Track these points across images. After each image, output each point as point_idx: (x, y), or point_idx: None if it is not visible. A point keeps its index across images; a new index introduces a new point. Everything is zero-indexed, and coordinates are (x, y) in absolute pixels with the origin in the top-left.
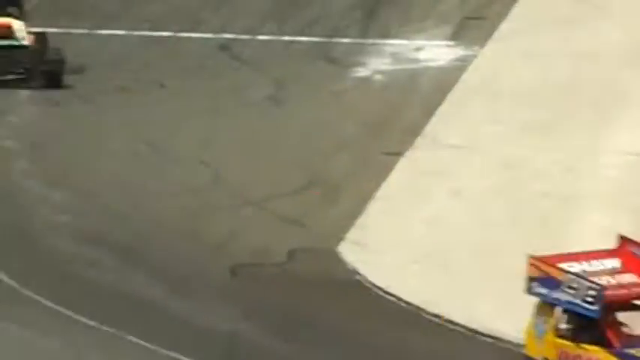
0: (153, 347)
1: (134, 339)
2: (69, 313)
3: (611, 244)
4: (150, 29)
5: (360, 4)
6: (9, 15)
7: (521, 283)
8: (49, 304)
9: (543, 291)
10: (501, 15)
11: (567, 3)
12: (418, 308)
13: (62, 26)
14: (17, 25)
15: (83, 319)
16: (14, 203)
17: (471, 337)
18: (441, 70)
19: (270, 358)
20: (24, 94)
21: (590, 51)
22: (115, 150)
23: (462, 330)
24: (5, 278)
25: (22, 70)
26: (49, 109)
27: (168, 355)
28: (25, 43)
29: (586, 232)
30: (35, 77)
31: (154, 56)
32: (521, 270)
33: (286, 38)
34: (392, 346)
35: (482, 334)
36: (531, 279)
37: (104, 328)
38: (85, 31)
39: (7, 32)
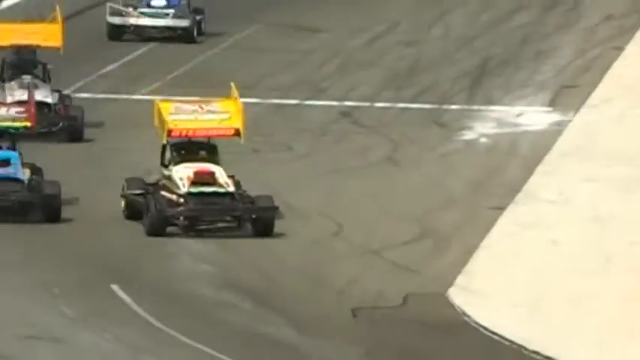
0: None
1: None
2: (210, 351)
3: None
4: (279, 97)
5: (466, 74)
6: (205, 159)
7: (613, 327)
8: (192, 342)
9: None
10: (594, 83)
11: None
12: (520, 346)
13: (203, 95)
14: (219, 171)
15: (223, 357)
16: (161, 253)
17: None
18: (539, 133)
19: None
20: None
21: None
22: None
23: None
24: (151, 319)
25: (231, 219)
26: None
27: None
28: (231, 189)
29: None
30: (245, 225)
31: (283, 121)
32: (614, 315)
33: (401, 105)
34: None
35: None
36: None
37: None
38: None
39: (210, 179)
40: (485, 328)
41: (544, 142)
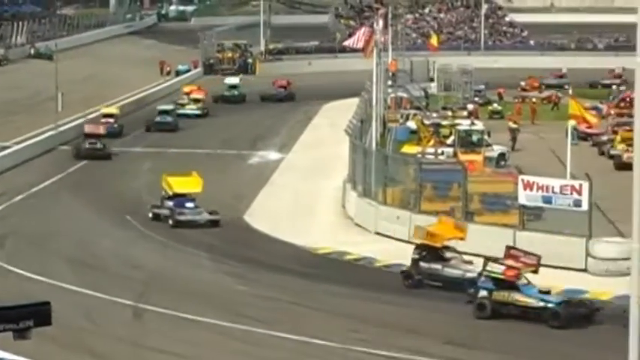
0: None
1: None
2: (163, 239)
3: None
4: (190, 148)
5: (249, 138)
6: None
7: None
8: (156, 236)
9: None
10: (294, 141)
11: (321, 132)
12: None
13: (159, 148)
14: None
15: (172, 243)
16: (138, 202)
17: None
18: (274, 160)
19: None
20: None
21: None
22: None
23: (285, 241)
24: (136, 224)
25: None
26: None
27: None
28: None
29: None
30: None
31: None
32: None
33: (229, 152)
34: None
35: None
36: None
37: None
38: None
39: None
40: (264, 233)
41: (276, 164)
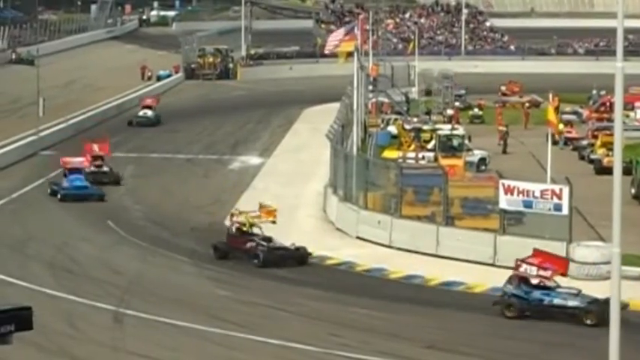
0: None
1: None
2: (142, 243)
3: None
4: (172, 153)
5: (230, 143)
6: None
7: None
8: (137, 240)
9: None
10: (275, 145)
11: (302, 136)
12: None
13: (141, 153)
14: None
15: (150, 247)
16: (120, 207)
17: None
18: (255, 165)
19: None
20: None
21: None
22: (161, 184)
23: None
24: (117, 229)
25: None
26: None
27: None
28: None
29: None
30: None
31: (168, 164)
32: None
33: (210, 157)
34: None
35: None
36: None
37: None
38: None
39: None
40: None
41: (258, 168)
